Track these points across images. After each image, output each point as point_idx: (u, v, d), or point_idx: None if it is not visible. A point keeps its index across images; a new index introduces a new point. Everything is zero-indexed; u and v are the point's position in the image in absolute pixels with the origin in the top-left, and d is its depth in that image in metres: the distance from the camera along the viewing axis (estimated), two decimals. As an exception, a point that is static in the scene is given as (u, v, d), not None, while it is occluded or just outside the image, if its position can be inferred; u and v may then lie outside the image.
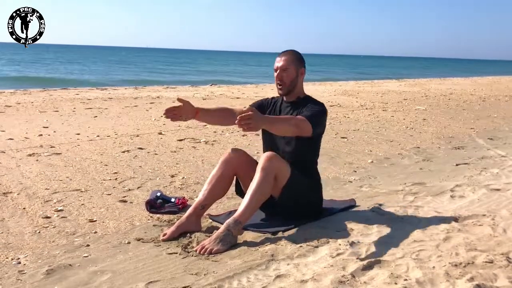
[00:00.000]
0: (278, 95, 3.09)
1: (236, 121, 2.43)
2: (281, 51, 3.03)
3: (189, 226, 2.80)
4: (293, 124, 2.70)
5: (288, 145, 2.95)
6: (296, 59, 2.97)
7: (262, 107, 3.08)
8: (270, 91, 14.06)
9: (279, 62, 2.95)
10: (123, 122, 7.16)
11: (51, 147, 5.20)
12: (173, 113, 2.77)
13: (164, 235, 2.73)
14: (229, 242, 2.57)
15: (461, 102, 11.71)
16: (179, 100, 2.79)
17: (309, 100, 3.01)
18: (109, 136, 5.98)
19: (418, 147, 5.78)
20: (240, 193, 3.08)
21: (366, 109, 9.63)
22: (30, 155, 4.81)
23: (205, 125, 6.99)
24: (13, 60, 39.80)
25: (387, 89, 15.39)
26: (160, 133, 6.23)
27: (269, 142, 3.05)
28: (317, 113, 2.85)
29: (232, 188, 3.07)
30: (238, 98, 11.44)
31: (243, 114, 2.40)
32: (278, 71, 2.95)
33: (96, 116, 7.74)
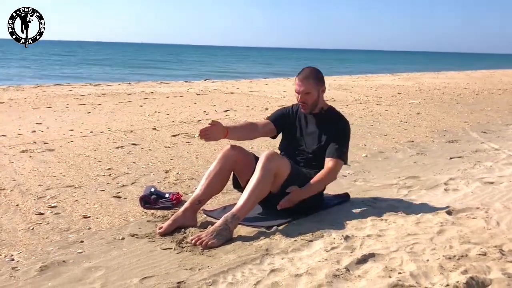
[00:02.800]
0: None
1: (278, 206, 2.81)
2: (300, 70, 3.11)
3: (185, 220, 2.80)
4: (331, 179, 3.01)
5: (315, 151, 3.08)
6: (316, 80, 3.08)
7: (284, 117, 3.22)
8: (264, 86, 14.05)
9: (300, 86, 3.04)
10: (116, 118, 7.13)
11: (44, 144, 5.17)
12: (206, 133, 2.84)
13: (160, 228, 2.73)
14: (225, 237, 2.58)
15: (455, 95, 11.74)
16: (212, 122, 2.89)
17: (333, 114, 3.15)
18: (102, 132, 5.96)
19: (412, 141, 5.80)
20: (238, 186, 3.09)
21: (360, 103, 9.65)
22: (23, 151, 4.78)
23: (199, 121, 6.98)
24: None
25: (381, 83, 15.42)
26: (154, 129, 6.21)
27: (292, 146, 3.17)
28: (346, 142, 3.08)
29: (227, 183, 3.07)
30: (232, 93, 11.42)
31: (284, 202, 2.80)
32: (300, 95, 3.05)
33: (89, 112, 7.70)
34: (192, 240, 2.55)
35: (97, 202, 3.31)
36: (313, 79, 3.06)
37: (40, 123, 6.49)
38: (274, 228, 2.76)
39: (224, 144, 3.09)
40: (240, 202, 2.71)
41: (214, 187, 2.94)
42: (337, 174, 3.04)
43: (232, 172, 3.05)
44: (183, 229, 2.75)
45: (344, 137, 3.09)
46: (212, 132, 2.86)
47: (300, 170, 2.99)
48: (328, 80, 17.16)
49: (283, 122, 3.20)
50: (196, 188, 3.02)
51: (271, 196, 2.89)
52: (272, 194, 2.88)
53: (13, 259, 2.40)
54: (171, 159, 4.61)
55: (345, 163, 3.07)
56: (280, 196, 2.90)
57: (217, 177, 2.93)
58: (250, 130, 3.16)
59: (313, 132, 3.11)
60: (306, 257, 2.36)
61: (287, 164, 2.88)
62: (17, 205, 3.23)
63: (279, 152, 3.24)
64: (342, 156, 3.02)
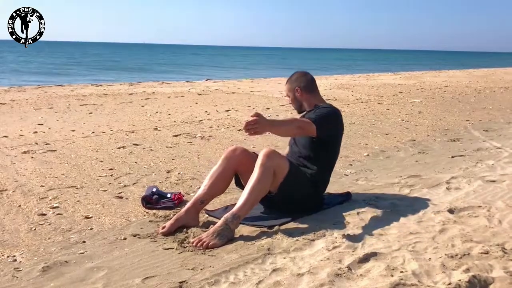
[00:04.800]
0: None
1: (243, 127, 2.63)
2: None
3: (188, 220, 2.81)
4: (296, 126, 2.91)
5: (305, 145, 3.10)
6: (290, 83, 3.25)
7: None
8: (265, 85, 14.04)
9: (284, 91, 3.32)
10: (118, 118, 7.13)
11: (46, 144, 5.18)
12: (254, 125, 2.62)
13: (163, 227, 2.74)
14: (226, 237, 2.58)
15: (457, 94, 11.73)
16: (255, 114, 2.69)
17: (322, 105, 3.18)
18: (104, 132, 5.96)
19: (414, 140, 5.79)
20: (240, 185, 3.11)
21: (362, 102, 9.64)
22: (25, 152, 4.79)
23: (201, 120, 6.98)
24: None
25: (382, 82, 15.40)
26: (156, 129, 6.21)
27: (292, 139, 3.28)
28: (322, 115, 3.02)
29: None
30: (233, 93, 11.42)
31: (249, 120, 2.58)
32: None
33: (91, 113, 7.71)
34: (193, 242, 2.55)
35: (99, 203, 3.32)
36: (288, 82, 3.27)
37: (42, 124, 6.50)
38: (275, 228, 2.76)
39: (228, 145, 3.09)
40: (240, 201, 2.72)
41: (217, 187, 2.96)
42: (300, 130, 2.91)
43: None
44: (185, 229, 2.75)
45: (321, 113, 3.02)
46: (255, 123, 2.63)
47: (298, 169, 3.00)
48: (329, 79, 17.20)
49: None
50: (198, 188, 3.02)
51: (270, 196, 2.89)
52: (271, 194, 2.89)
53: (15, 260, 2.40)
54: (172, 159, 4.62)
55: (317, 133, 2.93)
56: (279, 196, 2.91)
57: (220, 178, 2.95)
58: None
59: None
60: (308, 256, 2.36)
61: (286, 162, 2.88)
62: (19, 205, 3.24)
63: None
64: (316, 121, 2.92)
